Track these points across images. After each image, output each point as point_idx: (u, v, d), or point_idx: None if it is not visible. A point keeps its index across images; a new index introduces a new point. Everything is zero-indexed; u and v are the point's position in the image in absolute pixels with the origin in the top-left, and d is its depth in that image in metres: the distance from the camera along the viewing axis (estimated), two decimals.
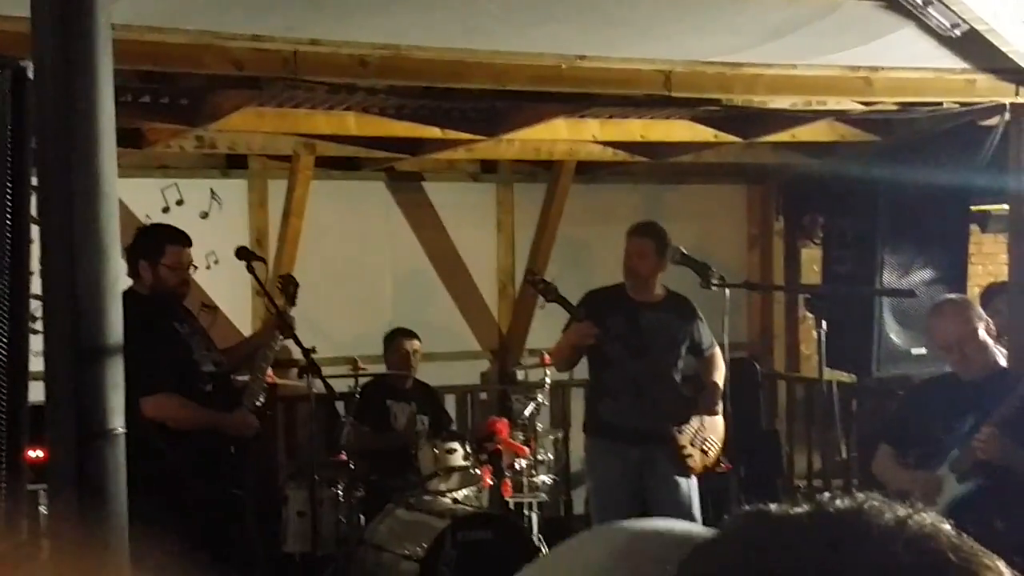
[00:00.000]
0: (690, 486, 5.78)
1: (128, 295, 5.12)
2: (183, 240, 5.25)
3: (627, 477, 5.84)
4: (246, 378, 5.51)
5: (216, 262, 7.50)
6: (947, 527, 0.90)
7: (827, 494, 0.94)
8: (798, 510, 0.92)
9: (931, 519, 0.90)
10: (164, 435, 4.93)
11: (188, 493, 4.90)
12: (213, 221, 7.68)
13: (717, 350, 5.83)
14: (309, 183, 7.45)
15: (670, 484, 5.77)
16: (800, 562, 0.87)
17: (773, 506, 0.93)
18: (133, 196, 7.15)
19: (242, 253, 5.66)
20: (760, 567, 0.88)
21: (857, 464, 7.29)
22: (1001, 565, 0.88)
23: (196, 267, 5.34)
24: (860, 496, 0.92)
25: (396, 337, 7.19)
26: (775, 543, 0.89)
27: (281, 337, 5.60)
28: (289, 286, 5.73)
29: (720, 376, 5.77)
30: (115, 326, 2.93)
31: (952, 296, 4.83)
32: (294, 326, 5.58)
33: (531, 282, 6.17)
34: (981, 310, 4.65)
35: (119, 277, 2.94)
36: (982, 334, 4.55)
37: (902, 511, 0.90)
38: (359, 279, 7.98)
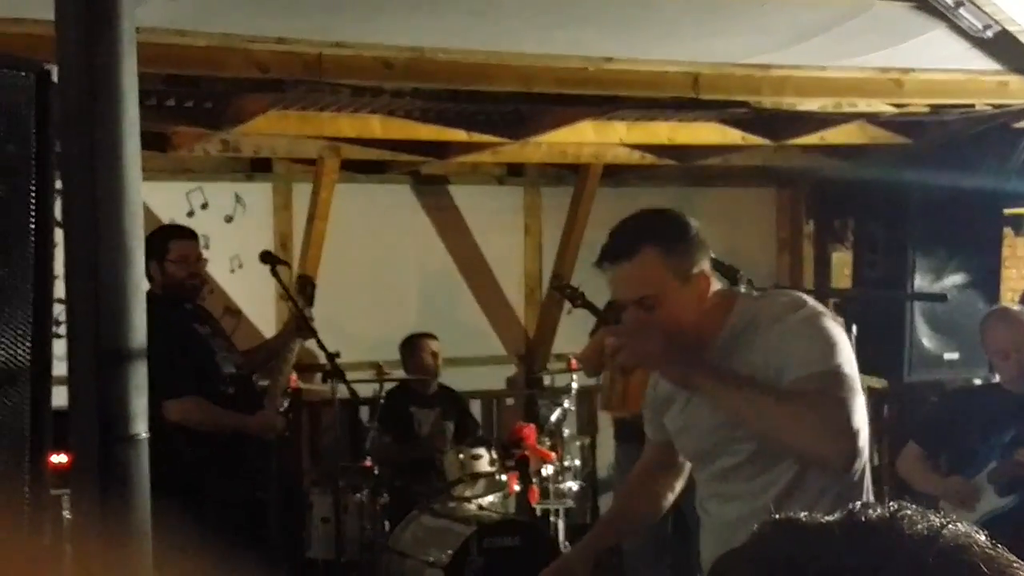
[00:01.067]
0: None
1: (147, 296, 5.13)
2: (186, 234, 5.27)
3: None
4: (267, 382, 5.50)
5: (240, 266, 7.49)
6: (981, 538, 0.89)
7: (859, 503, 0.93)
8: (829, 519, 0.91)
9: (965, 530, 0.89)
10: (186, 438, 4.92)
11: (209, 496, 4.88)
12: (238, 225, 7.67)
13: None
14: (334, 186, 7.42)
15: None
16: (830, 573, 0.86)
17: (803, 515, 0.93)
18: (158, 200, 7.14)
19: (266, 257, 5.64)
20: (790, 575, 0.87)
21: (889, 471, 7.23)
22: None
23: (207, 260, 5.33)
24: (894, 506, 0.91)
25: (414, 341, 7.13)
26: (805, 553, 0.88)
27: (301, 339, 5.58)
28: (307, 286, 5.71)
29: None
30: (139, 330, 2.90)
31: (1010, 306, 4.73)
32: (314, 327, 5.56)
33: (557, 288, 6.15)
34: None
35: (143, 281, 2.92)
36: None
37: (937, 521, 0.89)
38: (384, 283, 7.95)
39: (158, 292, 5.14)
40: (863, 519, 0.91)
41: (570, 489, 6.68)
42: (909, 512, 0.90)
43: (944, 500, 4.49)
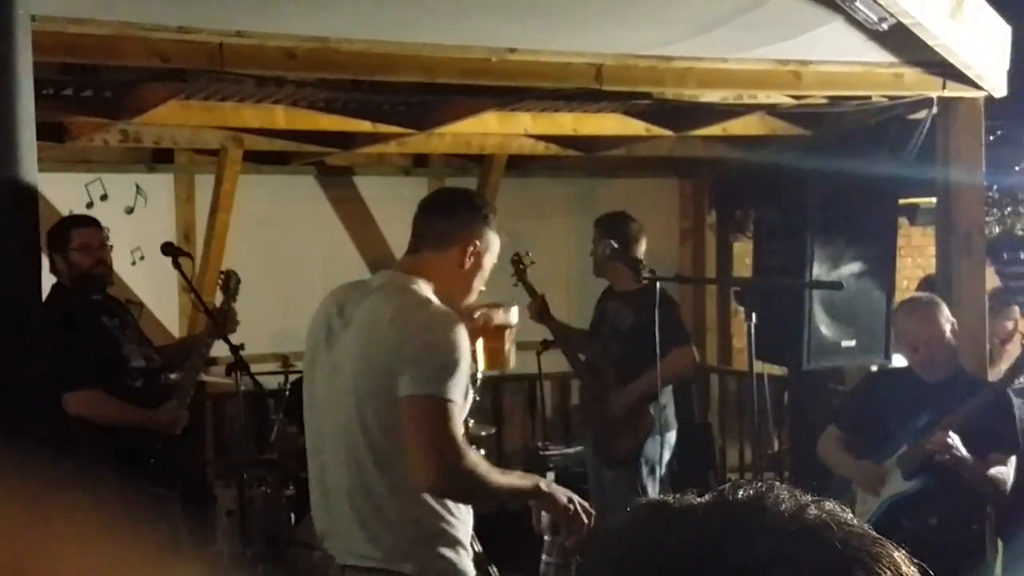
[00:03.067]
0: (631, 475, 5.73)
1: (53, 289, 5.05)
2: (87, 222, 5.23)
3: (591, 461, 6.00)
4: (176, 376, 5.44)
5: (142, 258, 7.40)
6: (846, 517, 0.91)
7: (732, 484, 0.95)
8: (699, 500, 0.93)
9: (831, 508, 0.91)
10: (88, 431, 4.85)
11: (111, 491, 4.81)
12: (139, 216, 7.58)
13: (677, 349, 5.62)
14: (237, 178, 7.36)
15: (601, 473, 5.83)
16: (694, 551, 0.88)
17: (672, 498, 0.95)
18: (56, 191, 7.03)
19: (168, 249, 5.58)
20: (655, 557, 0.88)
21: (789, 457, 7.36)
22: (897, 556, 0.89)
23: (111, 245, 5.25)
24: (764, 486, 0.93)
25: None
26: (671, 533, 0.90)
27: (222, 336, 5.52)
28: (230, 281, 5.66)
29: (652, 373, 5.68)
30: (35, 323, 2.86)
31: (922, 295, 4.83)
32: (235, 323, 5.52)
33: (514, 262, 6.24)
34: (948, 312, 4.63)
35: (40, 273, 2.87)
36: (949, 336, 4.55)
37: (804, 500, 0.91)
38: (289, 275, 7.90)
39: (66, 284, 5.07)
40: (731, 498, 0.93)
41: None
42: (777, 491, 0.92)
43: (856, 483, 4.60)
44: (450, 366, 3.04)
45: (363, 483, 3.20)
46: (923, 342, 4.53)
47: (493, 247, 3.36)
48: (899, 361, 5.56)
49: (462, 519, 3.30)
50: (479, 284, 3.37)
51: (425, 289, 3.25)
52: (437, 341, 3.07)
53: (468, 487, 3.17)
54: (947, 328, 4.53)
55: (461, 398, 3.09)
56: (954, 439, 4.30)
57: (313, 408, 3.36)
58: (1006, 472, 4.43)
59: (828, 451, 4.81)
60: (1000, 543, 5.23)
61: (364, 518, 3.21)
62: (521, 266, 6.22)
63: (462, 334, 3.10)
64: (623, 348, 5.80)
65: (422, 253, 3.31)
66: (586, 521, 3.25)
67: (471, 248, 3.28)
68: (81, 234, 5.11)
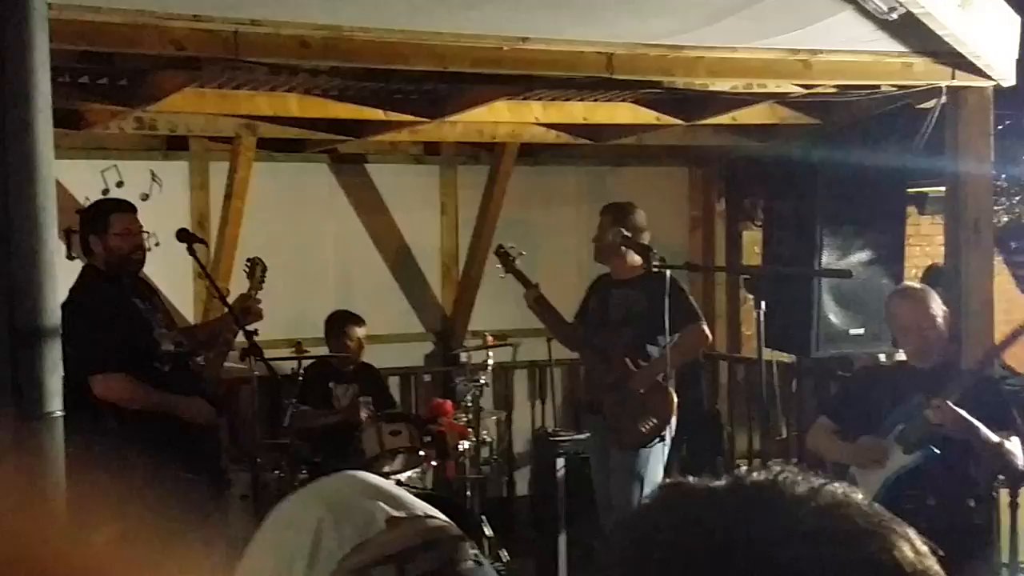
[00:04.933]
0: (645, 457, 5.76)
1: (86, 270, 5.11)
2: (127, 207, 5.27)
3: (597, 447, 6.00)
4: (203, 360, 5.50)
5: (157, 244, 7.42)
6: (859, 496, 0.93)
7: (747, 468, 0.98)
8: (717, 483, 0.95)
9: (843, 489, 0.93)
10: (115, 414, 4.91)
11: (136, 473, 4.86)
12: (154, 203, 7.62)
13: (692, 325, 5.84)
14: (251, 165, 7.40)
15: (618, 456, 5.82)
16: (715, 532, 0.89)
17: (692, 479, 0.96)
18: (72, 178, 7.08)
19: (183, 235, 5.62)
20: (676, 538, 0.91)
21: (798, 443, 7.39)
22: (911, 533, 0.91)
23: (149, 232, 5.31)
24: (776, 468, 0.95)
25: (341, 322, 7.15)
26: (691, 515, 0.92)
27: (243, 327, 5.54)
28: (256, 269, 5.70)
29: (673, 353, 5.76)
30: (52, 308, 2.91)
31: (915, 284, 4.88)
32: (258, 312, 5.56)
33: (497, 252, 6.26)
34: (940, 302, 4.67)
35: (56, 260, 2.92)
36: (941, 324, 4.59)
37: (816, 481, 0.93)
38: (302, 262, 7.95)
39: (99, 266, 5.12)
40: (747, 482, 0.94)
41: (486, 464, 6.76)
42: (790, 474, 0.95)
43: (855, 463, 4.62)
44: None
45: None
46: (914, 326, 4.58)
47: None
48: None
49: None
50: None
51: None
52: None
53: None
54: (939, 314, 4.58)
55: None
56: (951, 404, 4.34)
57: None
58: (1015, 447, 4.45)
59: (820, 441, 4.84)
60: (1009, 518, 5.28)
61: None
62: (509, 257, 6.21)
63: None
64: (637, 333, 5.82)
65: None
66: None
67: None
68: (123, 219, 5.17)
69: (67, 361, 4.87)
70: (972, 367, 4.60)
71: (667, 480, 1.00)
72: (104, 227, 5.14)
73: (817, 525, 0.89)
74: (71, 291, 5.22)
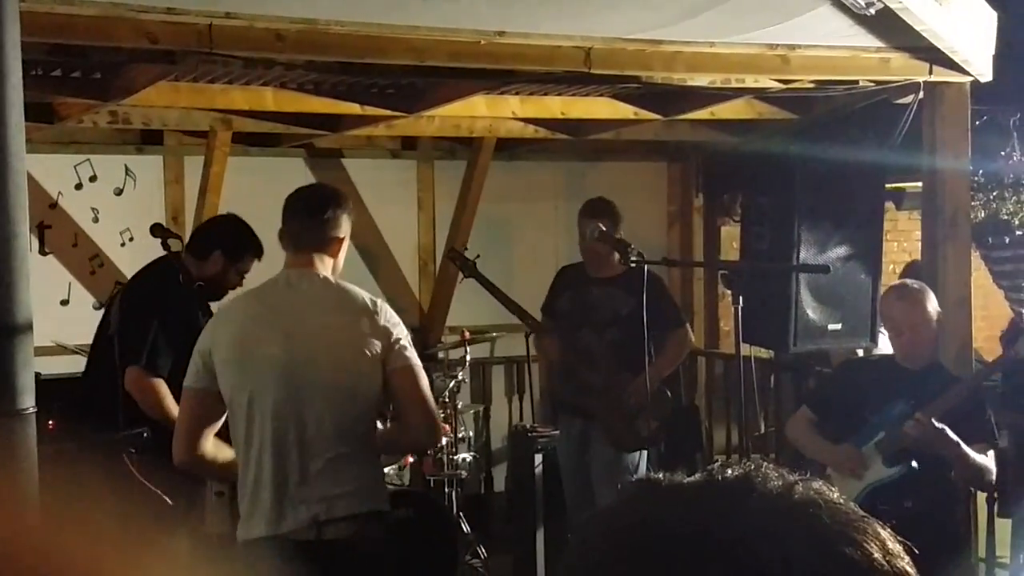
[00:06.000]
0: (630, 460, 5.73)
1: (173, 267, 5.05)
2: (261, 253, 5.27)
3: (570, 450, 5.93)
4: None
5: (131, 239, 7.40)
6: (832, 495, 0.93)
7: (721, 464, 0.97)
8: (688, 480, 0.95)
9: (816, 487, 0.93)
10: (132, 408, 4.88)
11: (119, 468, 4.81)
12: (127, 198, 7.58)
13: (679, 331, 5.85)
14: (226, 159, 7.35)
15: (606, 457, 5.77)
16: (685, 528, 0.89)
17: (663, 476, 0.97)
18: (45, 172, 7.03)
19: (157, 231, 5.56)
20: (646, 535, 0.90)
21: (775, 438, 7.40)
22: (884, 533, 0.91)
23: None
24: (752, 466, 0.95)
25: None
26: (662, 512, 0.92)
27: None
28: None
29: (663, 359, 5.77)
30: (24, 303, 2.87)
31: (912, 281, 4.82)
32: None
33: (451, 257, 6.16)
34: (936, 302, 4.63)
35: (27, 255, 2.88)
36: (935, 325, 4.56)
37: (790, 478, 0.93)
38: (278, 257, 7.85)
39: (192, 274, 5.05)
40: (720, 478, 0.95)
41: (464, 460, 6.73)
42: (764, 470, 0.94)
43: (833, 468, 4.58)
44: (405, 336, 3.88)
45: None
46: (909, 327, 4.53)
47: None
48: (884, 346, 5.59)
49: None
50: None
51: None
52: (389, 318, 3.91)
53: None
54: (934, 316, 4.54)
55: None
56: (941, 425, 4.30)
57: None
58: (990, 462, 4.45)
59: (799, 433, 4.80)
60: (1011, 520, 5.29)
61: None
62: (459, 261, 6.07)
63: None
64: (623, 333, 5.75)
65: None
66: None
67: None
68: (251, 265, 5.21)
69: (117, 335, 4.87)
70: (961, 388, 4.54)
71: (638, 477, 1.00)
72: (237, 258, 5.15)
73: (787, 524, 0.89)
74: (147, 274, 5.21)
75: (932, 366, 4.60)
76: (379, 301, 3.92)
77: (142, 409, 4.89)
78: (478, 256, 6.12)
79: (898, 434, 4.40)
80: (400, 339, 3.82)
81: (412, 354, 3.85)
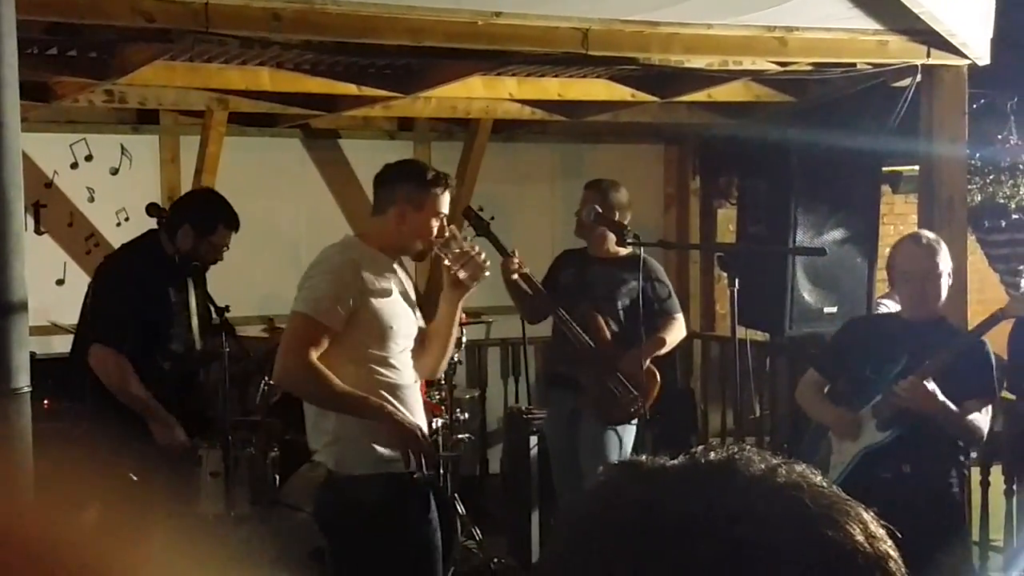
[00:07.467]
0: (618, 437, 5.73)
1: (147, 243, 5.06)
2: (236, 224, 5.21)
3: (562, 421, 5.91)
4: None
5: (127, 219, 7.39)
6: (815, 478, 0.93)
7: (704, 447, 0.97)
8: (672, 462, 0.96)
9: (800, 470, 0.93)
10: (98, 387, 4.88)
11: (108, 447, 4.82)
12: (123, 177, 7.56)
13: (674, 318, 5.82)
14: (222, 139, 7.34)
15: (594, 432, 5.76)
16: (665, 512, 0.90)
17: (645, 458, 0.97)
18: (40, 151, 7.02)
19: (153, 210, 5.57)
20: (627, 517, 0.90)
21: (771, 422, 7.41)
22: (867, 516, 0.91)
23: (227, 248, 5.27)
24: (736, 448, 0.95)
25: None
26: (643, 494, 0.92)
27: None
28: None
29: (661, 337, 5.75)
30: (19, 283, 2.87)
31: (929, 232, 4.70)
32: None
33: (466, 215, 6.07)
34: (949, 257, 4.49)
35: (22, 233, 2.88)
36: (945, 281, 4.44)
37: (772, 462, 0.94)
38: (274, 237, 7.90)
39: (166, 250, 5.05)
40: (702, 461, 0.95)
41: (459, 441, 6.74)
42: (747, 454, 0.95)
43: (832, 429, 4.59)
44: (305, 287, 4.03)
45: None
46: (921, 275, 4.42)
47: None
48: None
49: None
50: None
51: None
52: (308, 271, 4.10)
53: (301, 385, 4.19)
54: (945, 270, 4.43)
55: (317, 312, 3.97)
56: (933, 386, 4.28)
57: None
58: (982, 420, 4.43)
59: (806, 395, 4.76)
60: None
61: None
62: (481, 220, 5.97)
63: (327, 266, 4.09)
64: (620, 312, 5.75)
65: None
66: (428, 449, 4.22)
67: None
68: (227, 236, 5.15)
69: (88, 312, 4.91)
70: (959, 343, 4.50)
71: (621, 459, 1.00)
72: (207, 230, 5.10)
73: (769, 507, 0.89)
74: (122, 250, 5.26)
75: (936, 322, 4.52)
76: (321, 254, 4.20)
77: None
78: (492, 218, 6.14)
79: (890, 396, 4.38)
80: (302, 286, 4.08)
81: (297, 298, 4.07)
